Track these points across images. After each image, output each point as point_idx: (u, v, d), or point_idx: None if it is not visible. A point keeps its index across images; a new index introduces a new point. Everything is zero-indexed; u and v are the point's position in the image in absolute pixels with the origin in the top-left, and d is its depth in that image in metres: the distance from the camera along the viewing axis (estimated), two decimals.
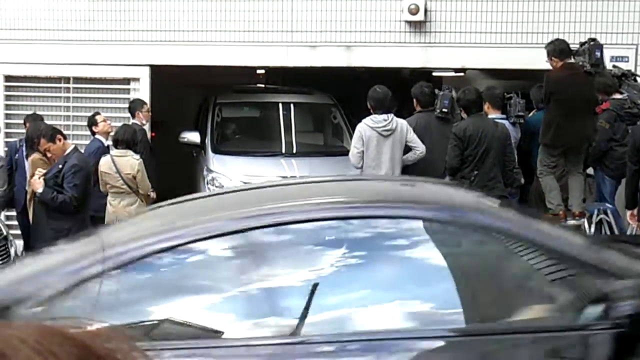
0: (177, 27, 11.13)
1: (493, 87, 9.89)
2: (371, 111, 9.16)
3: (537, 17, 10.65)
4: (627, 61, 10.47)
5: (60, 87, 11.40)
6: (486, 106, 9.25)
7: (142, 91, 11.22)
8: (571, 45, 9.18)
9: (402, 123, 9.19)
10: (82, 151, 8.98)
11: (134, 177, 9.03)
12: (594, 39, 9.20)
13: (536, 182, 9.44)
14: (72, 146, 8.20)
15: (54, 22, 11.21)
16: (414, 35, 10.89)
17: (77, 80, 11.33)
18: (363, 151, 9.01)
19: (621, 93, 9.82)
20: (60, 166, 7.83)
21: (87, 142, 10.05)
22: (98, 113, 10.12)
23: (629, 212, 7.80)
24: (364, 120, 9.12)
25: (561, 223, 9.07)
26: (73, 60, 11.19)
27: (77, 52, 11.18)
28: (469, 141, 8.65)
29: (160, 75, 11.37)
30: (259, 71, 14.04)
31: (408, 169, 9.25)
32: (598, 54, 9.01)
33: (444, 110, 9.37)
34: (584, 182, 9.41)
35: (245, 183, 10.67)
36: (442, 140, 8.87)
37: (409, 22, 10.79)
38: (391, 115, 9.13)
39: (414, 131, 9.23)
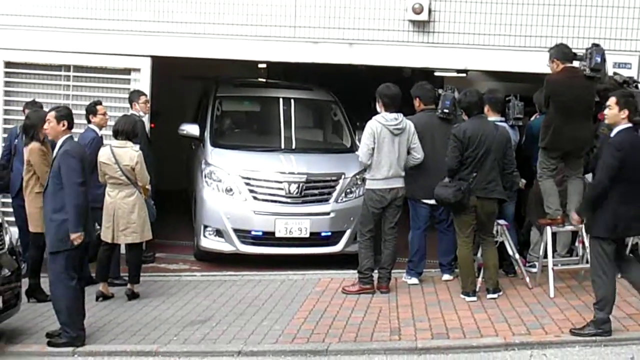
0: (180, 18, 11.07)
1: (495, 89, 9.86)
2: (380, 108, 9.11)
3: (541, 20, 10.64)
4: (630, 68, 10.46)
5: (60, 75, 11.33)
6: (486, 109, 9.22)
7: (143, 82, 11.16)
8: (575, 51, 9.16)
9: (410, 124, 9.17)
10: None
11: (133, 169, 8.99)
12: (596, 44, 9.17)
13: (535, 186, 9.43)
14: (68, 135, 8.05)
15: (56, 9, 11.15)
16: (417, 35, 10.86)
17: (78, 68, 11.27)
18: (374, 148, 8.99)
19: None
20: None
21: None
22: (99, 102, 10.03)
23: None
24: (375, 118, 9.07)
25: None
26: (74, 48, 11.14)
27: (78, 40, 11.13)
28: (469, 143, 8.63)
29: (162, 66, 11.32)
30: (260, 65, 13.99)
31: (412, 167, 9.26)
32: (598, 58, 8.97)
33: (446, 110, 9.35)
34: (583, 187, 9.38)
35: (243, 178, 10.70)
36: (445, 139, 8.85)
37: (413, 22, 10.78)
38: (401, 115, 9.12)
39: (417, 130, 9.22)
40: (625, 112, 7.48)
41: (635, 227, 7.57)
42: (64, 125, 7.83)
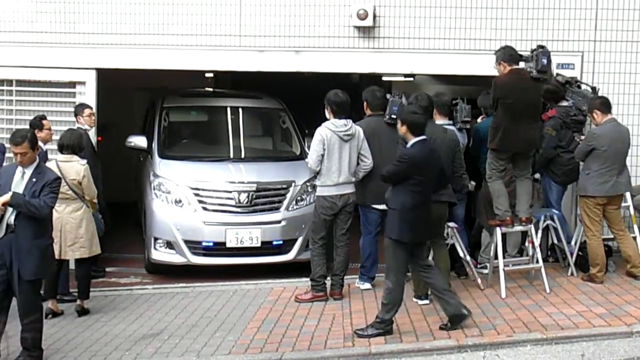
0: (124, 30, 10.98)
1: (441, 93, 9.92)
2: (329, 115, 9.11)
3: (485, 23, 10.72)
4: (573, 68, 10.57)
5: (2, 90, 11.16)
6: (434, 112, 9.27)
7: (88, 95, 11.03)
8: (520, 52, 9.25)
9: (359, 130, 9.19)
10: None
11: (80, 183, 8.88)
12: (542, 46, 9.28)
13: (485, 187, 9.49)
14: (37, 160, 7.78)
15: None
16: (362, 41, 10.89)
17: (21, 83, 11.11)
18: (323, 155, 8.98)
19: (567, 100, 9.93)
20: None
21: None
22: (44, 117, 9.91)
23: None
24: (324, 124, 9.07)
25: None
26: (16, 62, 10.99)
27: (21, 54, 10.97)
28: None
29: (108, 78, 11.21)
30: (207, 75, 13.93)
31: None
32: (544, 60, 9.08)
33: (393, 116, 9.37)
34: (531, 187, 9.47)
35: (192, 188, 10.62)
36: (392, 144, 8.87)
37: (358, 28, 10.80)
38: (350, 121, 9.13)
39: (365, 134, 9.22)
40: (405, 127, 7.87)
41: (426, 234, 8.05)
42: (37, 149, 7.60)
